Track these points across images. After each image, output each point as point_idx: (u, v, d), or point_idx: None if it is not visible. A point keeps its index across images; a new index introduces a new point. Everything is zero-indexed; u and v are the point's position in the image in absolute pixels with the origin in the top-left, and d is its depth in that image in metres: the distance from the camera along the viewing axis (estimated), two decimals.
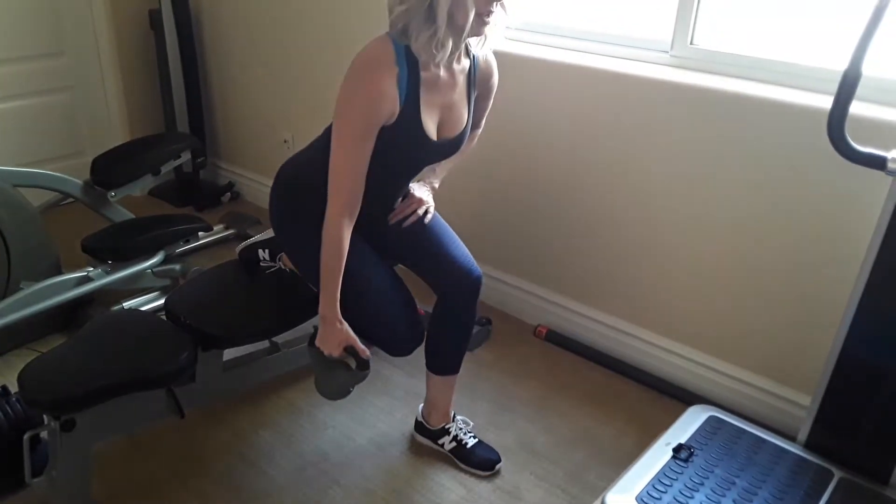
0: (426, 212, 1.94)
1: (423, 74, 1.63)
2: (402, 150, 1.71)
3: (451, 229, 1.97)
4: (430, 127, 1.69)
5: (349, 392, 1.82)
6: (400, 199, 1.94)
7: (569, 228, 2.49)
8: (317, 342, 1.74)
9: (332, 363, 1.74)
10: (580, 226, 2.46)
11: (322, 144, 1.73)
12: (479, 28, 1.59)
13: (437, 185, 2.02)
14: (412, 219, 1.91)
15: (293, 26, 3.12)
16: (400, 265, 2.04)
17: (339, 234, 1.63)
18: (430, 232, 1.93)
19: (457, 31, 1.57)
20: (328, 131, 1.70)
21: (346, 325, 1.71)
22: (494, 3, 1.57)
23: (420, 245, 1.93)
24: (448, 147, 1.78)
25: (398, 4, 1.56)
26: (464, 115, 1.77)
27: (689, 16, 2.13)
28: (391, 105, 1.59)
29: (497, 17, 1.61)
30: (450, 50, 1.60)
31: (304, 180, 1.82)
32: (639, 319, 2.42)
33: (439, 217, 1.98)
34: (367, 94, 1.57)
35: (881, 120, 1.78)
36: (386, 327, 1.81)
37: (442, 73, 1.68)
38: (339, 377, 1.76)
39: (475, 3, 1.54)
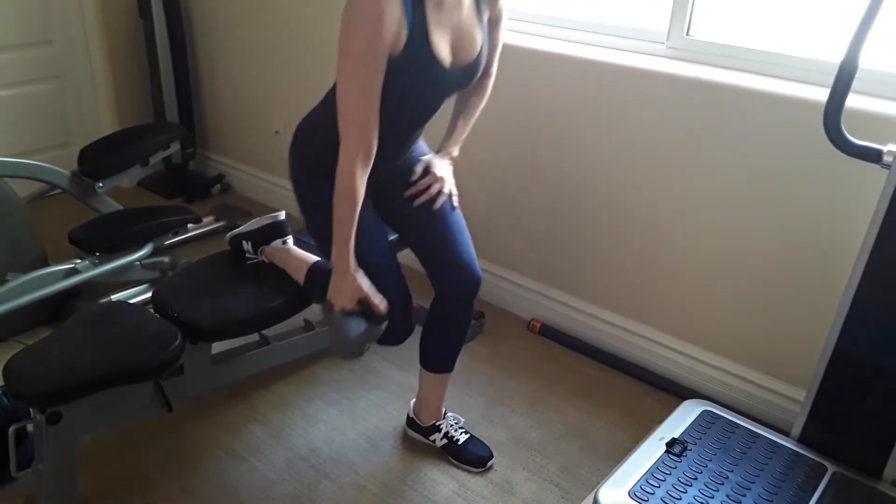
0: (442, 193, 1.85)
1: None
2: (416, 79, 1.58)
3: (465, 225, 1.88)
4: (443, 49, 1.57)
5: (364, 350, 1.70)
6: (414, 144, 1.83)
7: (563, 222, 2.47)
8: (329, 295, 1.63)
9: (346, 318, 1.62)
10: (574, 219, 2.44)
11: (333, 94, 1.59)
12: None
13: (456, 153, 1.94)
14: (424, 197, 1.83)
15: (285, 15, 3.09)
16: (400, 250, 1.98)
17: (353, 179, 1.53)
18: (446, 225, 1.84)
19: None
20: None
21: (360, 274, 1.62)
22: None
23: (432, 234, 1.84)
24: (464, 75, 1.66)
25: None
26: (477, 38, 1.64)
27: (686, 6, 2.11)
28: (396, 26, 1.48)
29: None
30: None
31: (316, 133, 1.71)
32: (633, 314, 2.41)
33: (459, 211, 1.89)
34: (369, 14, 1.45)
35: (878, 113, 1.77)
36: None
37: None
38: (353, 333, 1.63)
39: None
